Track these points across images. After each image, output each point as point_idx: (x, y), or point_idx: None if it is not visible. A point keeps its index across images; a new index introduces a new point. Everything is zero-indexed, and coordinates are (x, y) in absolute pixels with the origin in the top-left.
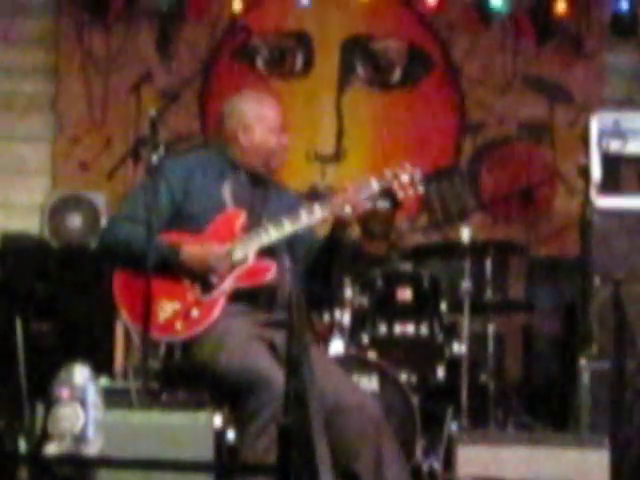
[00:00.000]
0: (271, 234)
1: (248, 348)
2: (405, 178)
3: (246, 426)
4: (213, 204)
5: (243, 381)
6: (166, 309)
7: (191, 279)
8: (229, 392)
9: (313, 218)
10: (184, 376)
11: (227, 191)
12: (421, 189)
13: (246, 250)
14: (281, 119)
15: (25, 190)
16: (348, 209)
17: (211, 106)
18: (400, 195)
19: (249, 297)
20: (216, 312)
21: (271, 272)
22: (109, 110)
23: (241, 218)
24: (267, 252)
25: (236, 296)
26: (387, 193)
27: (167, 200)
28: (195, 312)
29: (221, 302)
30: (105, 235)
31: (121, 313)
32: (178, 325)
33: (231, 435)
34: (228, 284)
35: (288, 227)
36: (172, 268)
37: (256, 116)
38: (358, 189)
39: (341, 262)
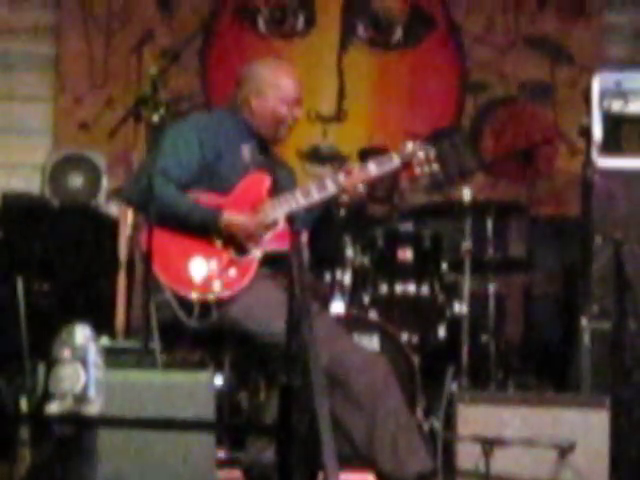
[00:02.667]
0: (299, 200)
1: (282, 313)
2: (421, 154)
3: (272, 390)
4: (238, 166)
5: (278, 345)
6: (202, 268)
7: (225, 241)
8: (260, 355)
9: (336, 187)
10: (216, 337)
11: (246, 154)
12: (436, 167)
13: (276, 215)
14: (297, 91)
15: (26, 150)
16: (361, 186)
17: (212, 66)
18: (417, 171)
19: (274, 262)
20: (252, 273)
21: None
22: (110, 70)
23: (267, 182)
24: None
25: (264, 259)
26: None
27: (198, 156)
28: (232, 272)
29: (255, 263)
30: (145, 189)
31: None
32: (216, 284)
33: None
34: (261, 247)
35: (315, 195)
36: (209, 230)
37: (271, 84)
38: (380, 163)
39: (340, 224)
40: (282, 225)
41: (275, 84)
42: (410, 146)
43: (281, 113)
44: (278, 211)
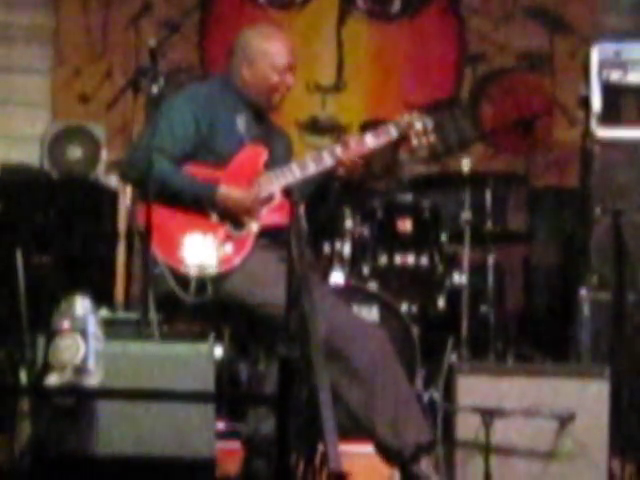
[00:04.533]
0: (295, 173)
1: (281, 285)
2: (419, 126)
3: (272, 363)
4: (233, 138)
5: (277, 316)
6: (198, 243)
7: (221, 216)
8: (260, 327)
9: (333, 160)
10: (215, 311)
11: (241, 125)
12: (433, 137)
13: (272, 188)
14: (288, 59)
15: (25, 121)
16: (358, 158)
17: (211, 37)
18: (414, 143)
19: (272, 234)
20: (249, 247)
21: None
22: (109, 41)
23: (263, 155)
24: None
25: (261, 232)
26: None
27: (193, 130)
28: (229, 247)
29: (252, 238)
30: (142, 166)
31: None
32: (212, 259)
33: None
34: (257, 221)
35: (312, 168)
36: (205, 206)
37: (261, 51)
38: (377, 135)
39: (338, 195)
40: (279, 198)
41: (265, 51)
42: (407, 117)
43: (272, 80)
44: (274, 184)
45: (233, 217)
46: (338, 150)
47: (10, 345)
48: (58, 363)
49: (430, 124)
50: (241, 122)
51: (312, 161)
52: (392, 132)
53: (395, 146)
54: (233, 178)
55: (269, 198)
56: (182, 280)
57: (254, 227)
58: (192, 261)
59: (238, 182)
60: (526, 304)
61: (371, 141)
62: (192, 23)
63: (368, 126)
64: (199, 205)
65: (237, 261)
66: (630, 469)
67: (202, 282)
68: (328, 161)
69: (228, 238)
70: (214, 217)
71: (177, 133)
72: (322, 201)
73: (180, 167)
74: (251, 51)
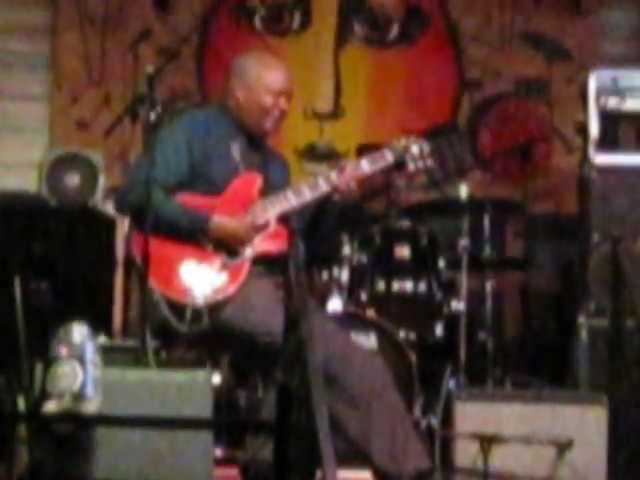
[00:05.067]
0: (291, 200)
1: (277, 312)
2: (415, 150)
3: (270, 389)
4: (228, 166)
5: (274, 343)
6: (193, 273)
7: (215, 245)
8: (257, 354)
9: (329, 186)
10: (211, 339)
11: (236, 152)
12: (430, 162)
13: (267, 215)
14: (283, 84)
15: (23, 148)
16: (354, 183)
17: (208, 64)
18: (411, 167)
19: (268, 261)
20: (243, 276)
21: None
22: (107, 68)
23: (258, 182)
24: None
25: (256, 259)
26: (397, 163)
27: (187, 159)
28: (223, 276)
29: (247, 266)
30: (136, 198)
31: (142, 274)
32: (207, 289)
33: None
34: (252, 248)
35: (308, 194)
36: (199, 236)
37: (256, 75)
38: (373, 160)
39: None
40: (274, 226)
41: (258, 75)
42: (403, 141)
43: (265, 104)
44: (269, 212)
45: (227, 246)
46: (333, 176)
47: (8, 372)
48: (56, 390)
49: (427, 148)
50: (236, 149)
51: (307, 188)
52: (388, 157)
53: (391, 170)
54: (228, 206)
55: (264, 225)
56: (178, 309)
57: (249, 255)
58: (187, 291)
59: (233, 210)
60: (524, 331)
61: (367, 166)
62: (190, 50)
63: (364, 149)
64: (193, 236)
65: (232, 289)
66: None
67: (197, 312)
68: (324, 187)
69: (223, 267)
70: (209, 247)
71: (170, 163)
72: (320, 227)
73: (173, 197)
74: (246, 73)
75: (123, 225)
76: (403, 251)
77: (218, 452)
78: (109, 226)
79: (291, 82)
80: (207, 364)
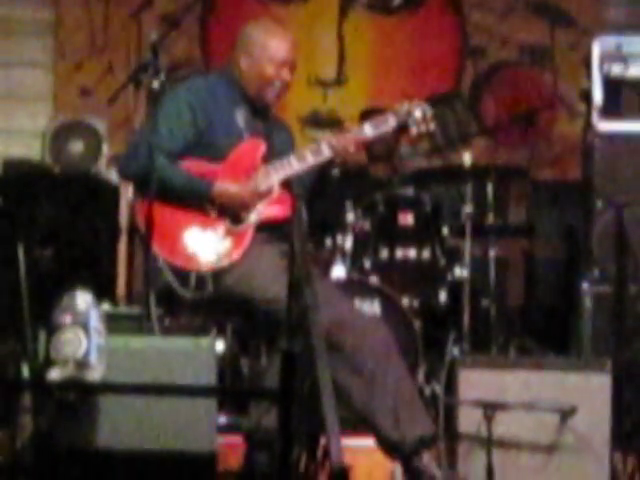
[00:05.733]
0: (294, 166)
1: (281, 279)
2: (418, 114)
3: (274, 357)
4: (232, 132)
5: (278, 310)
6: (197, 239)
7: (219, 211)
8: (261, 321)
9: (332, 151)
10: (216, 306)
11: (240, 119)
12: (432, 126)
13: (270, 181)
14: (287, 55)
15: (26, 116)
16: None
17: (212, 32)
18: (413, 131)
19: (272, 227)
20: (247, 241)
21: None
22: (110, 36)
23: (262, 149)
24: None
25: (260, 226)
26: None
27: (190, 125)
28: (228, 242)
29: (251, 232)
30: (140, 163)
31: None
32: (211, 255)
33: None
34: (256, 215)
35: (311, 159)
36: (203, 202)
37: (261, 42)
38: (376, 125)
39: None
40: (278, 191)
41: (263, 44)
42: (406, 105)
43: (267, 73)
44: (273, 178)
45: (231, 212)
46: (336, 141)
47: (12, 339)
48: (60, 358)
49: (429, 112)
50: (240, 116)
51: (310, 153)
52: (391, 121)
53: (395, 134)
54: (231, 172)
55: (268, 191)
56: (181, 275)
57: (253, 221)
58: (191, 257)
59: (236, 176)
60: (528, 297)
61: (370, 131)
62: (193, 18)
63: (368, 114)
64: (196, 201)
65: (236, 255)
66: (632, 462)
67: (201, 277)
68: (326, 152)
69: (227, 233)
70: (212, 213)
71: (174, 129)
72: (324, 192)
73: (178, 162)
74: (251, 42)
75: (127, 192)
76: (407, 218)
77: (222, 419)
78: (113, 193)
79: (296, 53)
80: (211, 331)
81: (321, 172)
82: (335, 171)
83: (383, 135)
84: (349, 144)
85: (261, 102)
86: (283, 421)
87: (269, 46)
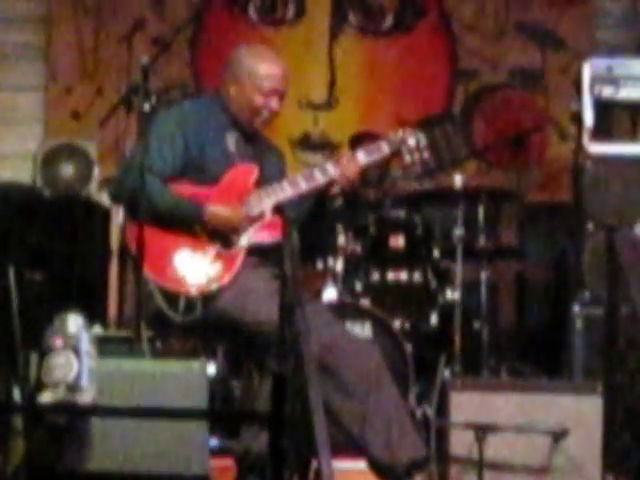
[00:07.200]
0: (286, 191)
1: (272, 301)
2: (412, 142)
3: (265, 380)
4: (222, 156)
5: (270, 333)
6: (187, 262)
7: (210, 235)
8: (252, 344)
9: (326, 177)
10: (205, 329)
11: (231, 143)
12: (426, 154)
13: (262, 206)
14: (276, 83)
15: (17, 139)
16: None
17: (203, 54)
18: (407, 159)
19: (262, 252)
20: (238, 265)
21: None
22: (101, 59)
23: (255, 173)
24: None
25: (251, 250)
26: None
27: (182, 148)
28: (218, 266)
29: (241, 256)
30: (131, 186)
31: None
32: (201, 279)
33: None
34: (247, 239)
35: (303, 185)
36: (194, 225)
37: (250, 70)
38: (369, 152)
39: (333, 213)
40: (269, 216)
41: (253, 71)
42: (400, 133)
43: (256, 103)
44: (265, 202)
45: (222, 235)
46: (330, 167)
47: (3, 363)
48: (51, 381)
49: (423, 141)
50: (231, 140)
51: (303, 179)
52: (384, 148)
53: (388, 159)
54: (223, 196)
55: (259, 216)
56: (172, 299)
57: (243, 245)
58: (181, 280)
59: (228, 200)
60: (519, 320)
61: (363, 158)
62: (184, 40)
63: (358, 139)
64: (187, 224)
65: (226, 279)
66: None
67: (191, 301)
68: (320, 179)
69: (217, 257)
70: (203, 236)
71: (166, 152)
72: (317, 218)
73: (169, 185)
74: (240, 69)
75: (118, 215)
76: (398, 241)
77: (213, 442)
78: (104, 217)
79: (286, 81)
80: (202, 354)
81: (318, 200)
82: (339, 201)
83: (376, 162)
84: (345, 171)
85: (250, 128)
86: (274, 444)
87: (258, 75)
